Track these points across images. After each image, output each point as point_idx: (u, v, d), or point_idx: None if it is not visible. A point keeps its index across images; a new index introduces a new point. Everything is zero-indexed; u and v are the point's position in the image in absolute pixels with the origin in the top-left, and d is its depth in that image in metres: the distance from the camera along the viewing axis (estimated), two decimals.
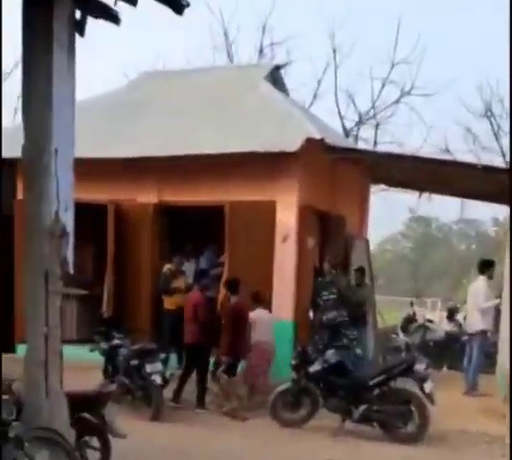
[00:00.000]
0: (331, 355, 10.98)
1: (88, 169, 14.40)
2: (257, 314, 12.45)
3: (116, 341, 12.29)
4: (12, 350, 12.99)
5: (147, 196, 14.74)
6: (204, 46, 30.04)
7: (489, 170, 12.66)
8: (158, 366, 11.62)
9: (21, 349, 14.53)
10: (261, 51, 27.71)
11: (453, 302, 26.46)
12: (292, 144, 12.76)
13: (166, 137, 14.44)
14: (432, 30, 57.22)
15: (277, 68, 16.91)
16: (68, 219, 6.55)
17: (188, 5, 6.46)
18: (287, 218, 13.55)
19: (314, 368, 10.95)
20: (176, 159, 13.80)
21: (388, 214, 27.57)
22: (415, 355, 12.74)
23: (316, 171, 14.20)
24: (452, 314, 19.14)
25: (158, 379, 11.41)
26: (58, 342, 6.86)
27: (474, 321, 13.40)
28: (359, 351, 12.82)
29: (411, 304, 19.31)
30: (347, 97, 27.27)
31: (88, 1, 6.30)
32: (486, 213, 59.69)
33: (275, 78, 16.35)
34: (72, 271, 6.91)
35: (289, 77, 26.03)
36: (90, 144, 14.33)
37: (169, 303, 13.98)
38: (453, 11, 40.22)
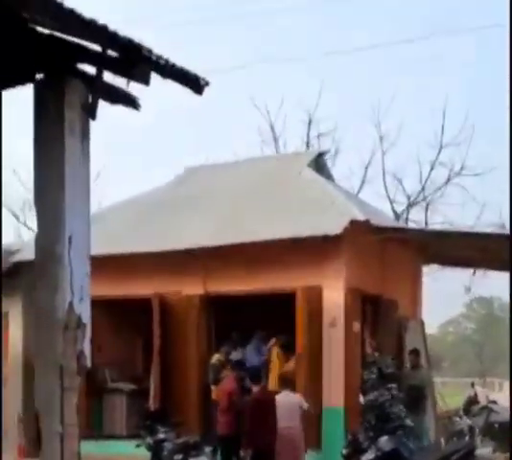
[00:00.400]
0: (384, 442, 10.57)
1: (135, 263, 14.69)
2: (280, 397, 11.70)
3: (160, 435, 12.04)
4: None
5: (192, 288, 14.63)
6: (252, 141, 30.35)
7: None
8: None
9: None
10: (308, 143, 28.05)
11: None
12: (336, 227, 12.64)
13: (210, 229, 14.43)
14: (480, 107, 57.54)
15: (320, 155, 17.02)
16: (84, 311, 6.17)
17: (207, 84, 6.24)
18: (333, 302, 13.32)
19: (367, 457, 10.53)
20: (220, 249, 13.77)
21: (444, 294, 26.98)
22: (476, 439, 12.28)
23: (364, 253, 14.01)
24: None
25: None
26: (76, 442, 6.33)
27: None
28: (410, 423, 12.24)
29: (472, 385, 18.52)
30: (396, 181, 27.22)
31: (99, 85, 6.12)
32: None
33: (319, 165, 16.44)
34: (89, 365, 6.31)
35: (337, 167, 26.49)
36: (136, 239, 14.62)
37: (217, 394, 13.68)
38: (499, 89, 40.20)
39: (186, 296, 14.64)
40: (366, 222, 12.86)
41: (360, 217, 12.91)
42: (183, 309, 14.62)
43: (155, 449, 11.98)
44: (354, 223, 12.71)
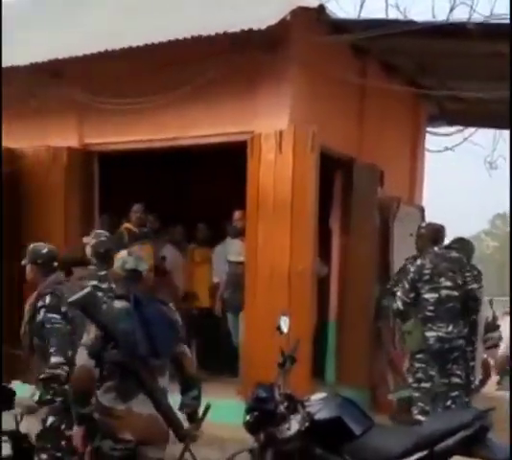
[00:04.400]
0: (319, 405, 5.42)
1: None
2: None
3: None
4: None
5: (62, 139, 9.29)
6: None
7: None
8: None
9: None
10: None
11: None
12: (268, 18, 7.12)
13: (86, 34, 8.97)
14: None
15: None
16: None
17: None
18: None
19: (285, 433, 5.40)
20: (95, 64, 8.30)
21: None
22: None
23: (326, 84, 8.30)
24: None
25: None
26: None
27: None
28: None
29: (490, 303, 12.31)
30: None
31: None
32: None
33: None
34: None
35: None
36: None
37: None
38: None
39: (51, 150, 9.28)
40: (322, 13, 7.29)
41: (312, 2, 7.30)
42: (46, 172, 9.29)
43: None
44: (302, 14, 7.18)
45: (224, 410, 7.82)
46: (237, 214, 9.04)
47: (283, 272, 7.88)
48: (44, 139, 9.34)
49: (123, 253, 5.40)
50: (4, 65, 8.48)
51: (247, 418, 5.64)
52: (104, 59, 8.07)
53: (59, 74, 8.78)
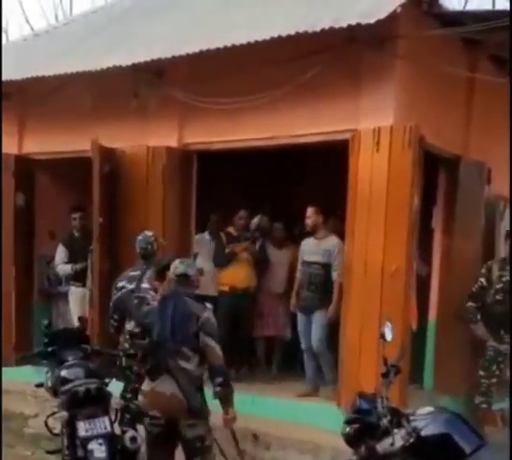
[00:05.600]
0: (425, 419, 5.14)
1: (76, 99, 9.30)
2: None
3: (63, 372, 6.65)
4: None
5: (162, 138, 9.14)
6: None
7: None
8: (103, 424, 6.13)
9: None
10: None
11: None
12: (377, 11, 6.83)
13: (182, 35, 8.80)
14: None
15: None
16: None
17: None
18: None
19: (387, 447, 5.14)
20: (197, 61, 8.10)
21: None
22: None
23: (436, 81, 7.97)
24: None
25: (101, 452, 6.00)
26: None
27: None
28: None
29: None
30: None
31: None
32: None
33: None
34: None
35: None
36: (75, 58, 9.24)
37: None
38: None
39: (150, 149, 9.13)
40: (434, 5, 6.98)
41: None
42: (144, 170, 9.17)
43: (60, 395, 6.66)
44: (411, 6, 6.90)
45: (317, 414, 7.68)
46: (309, 211, 8.77)
47: (376, 272, 7.61)
48: (144, 139, 9.21)
49: (176, 261, 6.28)
50: (107, 65, 8.37)
51: (347, 430, 5.40)
52: (205, 58, 7.88)
53: (161, 73, 8.65)
